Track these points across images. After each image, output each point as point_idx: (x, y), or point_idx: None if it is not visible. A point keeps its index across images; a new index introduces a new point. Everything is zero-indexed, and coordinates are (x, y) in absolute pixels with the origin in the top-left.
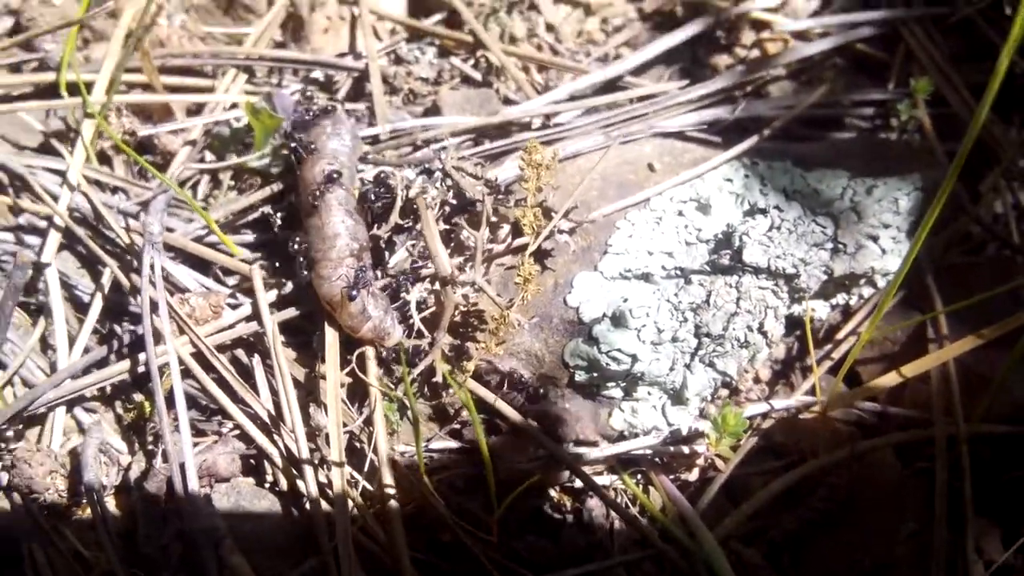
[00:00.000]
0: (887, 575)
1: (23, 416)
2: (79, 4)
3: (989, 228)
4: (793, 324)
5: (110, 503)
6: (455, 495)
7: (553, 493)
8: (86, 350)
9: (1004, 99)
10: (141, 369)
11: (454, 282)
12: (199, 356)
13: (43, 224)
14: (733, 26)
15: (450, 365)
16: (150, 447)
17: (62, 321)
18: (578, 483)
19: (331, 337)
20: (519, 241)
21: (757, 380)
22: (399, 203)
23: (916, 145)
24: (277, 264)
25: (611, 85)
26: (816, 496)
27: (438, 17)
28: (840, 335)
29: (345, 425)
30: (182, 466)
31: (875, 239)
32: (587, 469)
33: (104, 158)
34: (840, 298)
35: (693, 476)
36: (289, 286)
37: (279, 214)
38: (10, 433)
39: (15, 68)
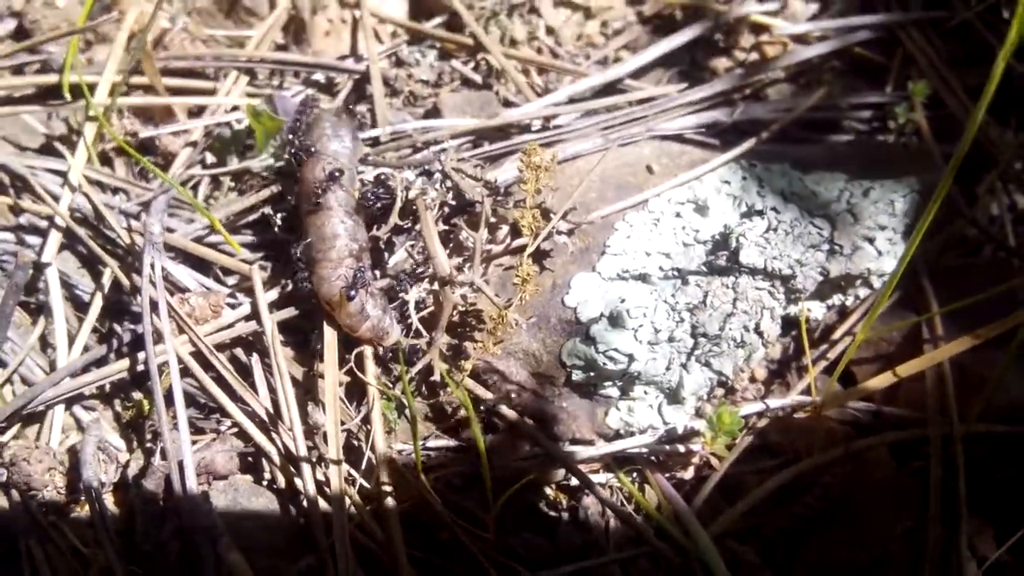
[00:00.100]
0: (881, 572)
1: (22, 414)
2: (82, 6)
3: (985, 230)
4: (789, 324)
5: (108, 500)
6: (452, 493)
7: (549, 491)
8: (86, 349)
9: (1001, 102)
10: (140, 368)
11: (452, 282)
12: (198, 355)
13: (44, 224)
14: (732, 29)
15: (448, 364)
16: (149, 445)
17: (62, 320)
18: (574, 481)
19: (330, 336)
20: (518, 242)
21: (753, 380)
22: (398, 204)
23: (913, 148)
24: (277, 264)
25: (610, 88)
26: (811, 494)
27: (439, 20)
28: (836, 335)
29: (343, 423)
30: (180, 464)
31: (871, 241)
32: (583, 467)
33: (106, 159)
34: (836, 299)
35: (689, 474)
36: (289, 286)
37: (279, 215)
38: (9, 431)
39: (18, 70)
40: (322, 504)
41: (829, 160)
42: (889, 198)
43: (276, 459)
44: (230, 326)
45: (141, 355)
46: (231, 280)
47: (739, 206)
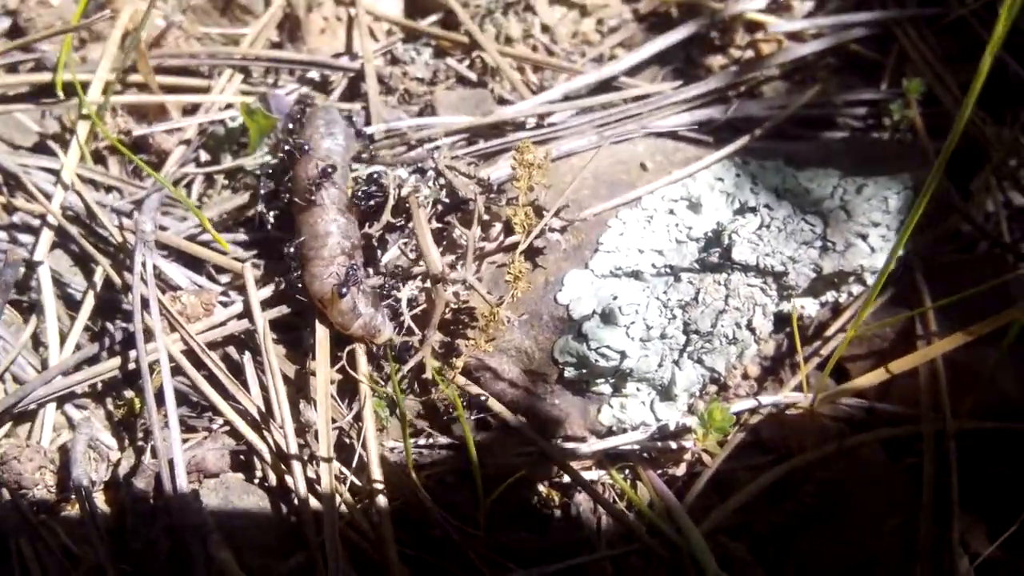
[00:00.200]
0: (873, 568)
1: (13, 412)
2: (76, 4)
3: (980, 226)
4: (782, 321)
5: (100, 499)
6: (444, 490)
7: (541, 488)
8: (78, 347)
9: (998, 98)
10: (132, 366)
11: (445, 280)
12: (190, 353)
13: (36, 223)
14: (727, 27)
15: (440, 362)
16: (140, 443)
17: (53, 318)
18: (566, 478)
19: (322, 334)
20: (511, 239)
21: (746, 376)
22: (391, 202)
23: (908, 145)
24: (270, 262)
25: (606, 85)
26: (803, 491)
27: (434, 18)
28: (830, 332)
29: (335, 421)
30: (170, 462)
31: (864, 237)
32: (575, 464)
33: (99, 158)
34: (830, 296)
35: (681, 471)
36: (281, 284)
37: (272, 213)
38: (0, 429)
39: (12, 68)
40: (313, 502)
41: (823, 157)
42: (883, 195)
43: (267, 457)
44: (222, 324)
45: (133, 353)
46: (224, 278)
47: (732, 203)
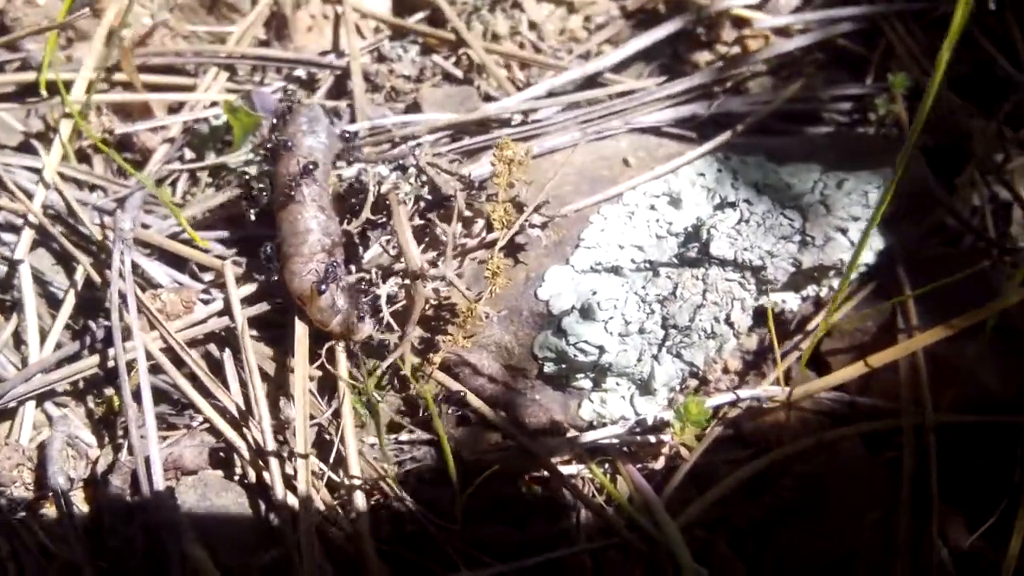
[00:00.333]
0: (852, 562)
1: None
2: (62, 3)
3: (965, 220)
4: (764, 316)
5: (79, 497)
6: (423, 486)
7: (521, 482)
8: (58, 345)
9: (985, 94)
10: (112, 364)
11: (424, 276)
12: (169, 351)
13: (19, 222)
14: (714, 23)
15: (420, 358)
16: (119, 441)
17: (34, 316)
18: (546, 472)
19: (301, 331)
20: (492, 236)
21: (726, 370)
22: (371, 199)
23: (893, 139)
24: (252, 260)
25: (591, 82)
26: (781, 484)
27: (421, 15)
28: (811, 326)
29: (313, 418)
30: (147, 459)
31: (844, 231)
32: (555, 459)
33: (84, 156)
34: (811, 290)
35: (659, 465)
36: (263, 281)
37: (254, 210)
38: None
39: None
40: (290, 499)
41: (807, 152)
42: (863, 189)
43: (246, 454)
44: (202, 322)
45: (113, 351)
46: (208, 276)
47: (713, 198)
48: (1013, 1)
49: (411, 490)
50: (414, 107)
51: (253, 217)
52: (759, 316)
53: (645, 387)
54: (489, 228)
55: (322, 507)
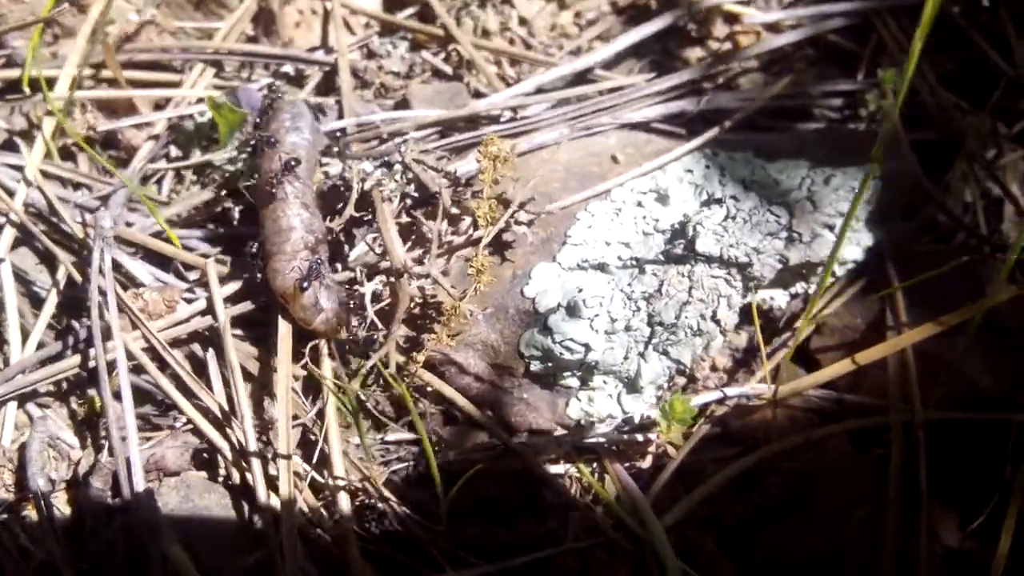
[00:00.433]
0: (840, 559)
1: None
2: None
3: (956, 217)
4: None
5: (62, 498)
6: (408, 486)
7: (507, 482)
8: (40, 345)
9: (978, 90)
10: (93, 364)
11: (409, 274)
12: (152, 351)
13: (1, 220)
14: (705, 19)
15: (405, 357)
16: (101, 442)
17: (15, 316)
18: (533, 471)
19: (284, 330)
20: (479, 233)
21: (714, 368)
22: (354, 196)
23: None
24: (237, 258)
25: (581, 78)
26: (769, 482)
27: (411, 11)
28: (799, 323)
29: (297, 418)
30: (127, 460)
31: (831, 228)
32: (542, 457)
33: (69, 154)
34: (800, 287)
35: (647, 464)
36: (247, 280)
37: (238, 208)
38: None
39: None
40: (273, 500)
41: (796, 148)
42: (851, 185)
43: (229, 455)
44: (185, 321)
45: (93, 351)
46: (193, 275)
47: (700, 195)
48: None
49: (397, 490)
50: (403, 103)
51: (237, 215)
52: (748, 314)
53: (632, 385)
54: (476, 225)
55: (306, 508)
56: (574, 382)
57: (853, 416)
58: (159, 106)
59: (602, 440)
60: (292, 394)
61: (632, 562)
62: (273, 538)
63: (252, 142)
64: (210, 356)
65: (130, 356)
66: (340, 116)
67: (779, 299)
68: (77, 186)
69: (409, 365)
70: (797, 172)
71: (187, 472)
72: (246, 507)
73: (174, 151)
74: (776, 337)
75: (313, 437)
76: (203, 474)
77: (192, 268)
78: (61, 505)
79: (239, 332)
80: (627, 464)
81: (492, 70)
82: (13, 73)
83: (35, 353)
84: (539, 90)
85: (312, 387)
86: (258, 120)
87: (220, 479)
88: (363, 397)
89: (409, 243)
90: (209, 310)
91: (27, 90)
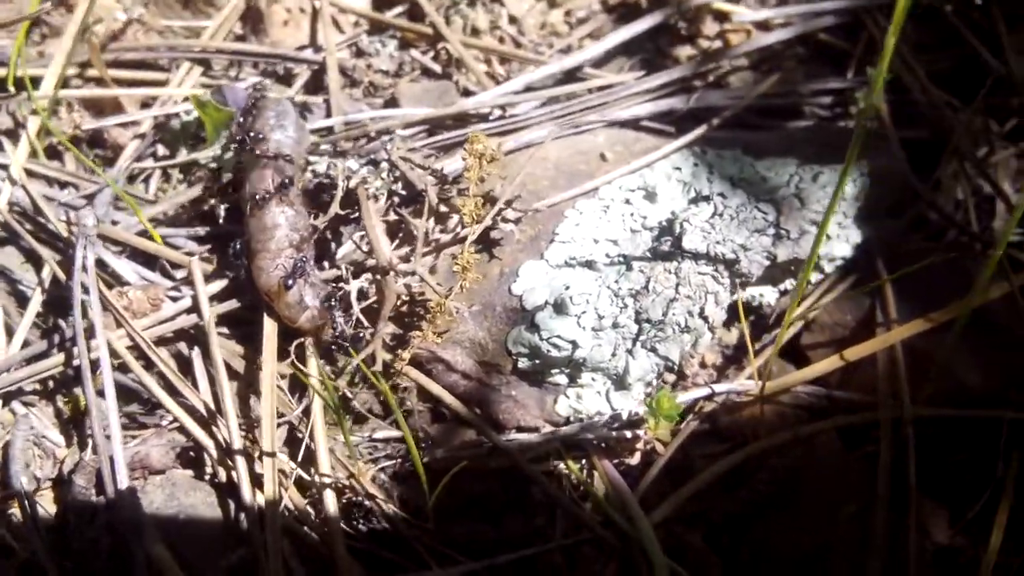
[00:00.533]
0: (828, 556)
1: None
2: None
3: (946, 214)
4: (745, 310)
5: (47, 496)
6: (396, 484)
7: (495, 479)
8: (26, 344)
9: (970, 88)
10: (77, 362)
11: (394, 272)
12: (137, 349)
13: None
14: (694, 17)
15: (392, 354)
16: (86, 440)
17: None
18: (521, 468)
19: (269, 328)
20: (467, 231)
21: (703, 365)
22: (339, 194)
23: (872, 133)
24: (223, 257)
25: (570, 76)
26: (757, 478)
27: (400, 9)
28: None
29: (283, 416)
30: (111, 459)
31: (819, 225)
32: (530, 454)
33: (55, 153)
34: (789, 283)
35: (635, 460)
36: (233, 278)
37: (224, 206)
38: None
39: None
40: (258, 498)
41: (785, 146)
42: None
43: (214, 453)
44: (171, 319)
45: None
46: (180, 273)
47: (688, 192)
48: None
49: (384, 488)
50: (392, 102)
51: (223, 213)
52: (737, 311)
53: (620, 382)
54: (463, 223)
55: (292, 506)
56: (562, 379)
57: (842, 412)
58: (145, 105)
59: (590, 437)
60: (278, 392)
61: (620, 559)
62: (258, 536)
63: (238, 138)
64: (195, 354)
65: (115, 354)
66: (328, 114)
67: (768, 296)
68: (63, 185)
69: (396, 363)
70: (785, 169)
71: (172, 470)
72: (231, 505)
73: (161, 150)
74: (766, 334)
75: (299, 435)
76: (188, 472)
77: (178, 266)
78: (46, 503)
79: (224, 330)
80: (615, 461)
81: (481, 68)
82: None
83: (20, 351)
84: (528, 88)
85: (299, 385)
86: (241, 119)
87: (205, 477)
88: (350, 395)
89: (396, 241)
90: (194, 308)
91: (12, 89)
